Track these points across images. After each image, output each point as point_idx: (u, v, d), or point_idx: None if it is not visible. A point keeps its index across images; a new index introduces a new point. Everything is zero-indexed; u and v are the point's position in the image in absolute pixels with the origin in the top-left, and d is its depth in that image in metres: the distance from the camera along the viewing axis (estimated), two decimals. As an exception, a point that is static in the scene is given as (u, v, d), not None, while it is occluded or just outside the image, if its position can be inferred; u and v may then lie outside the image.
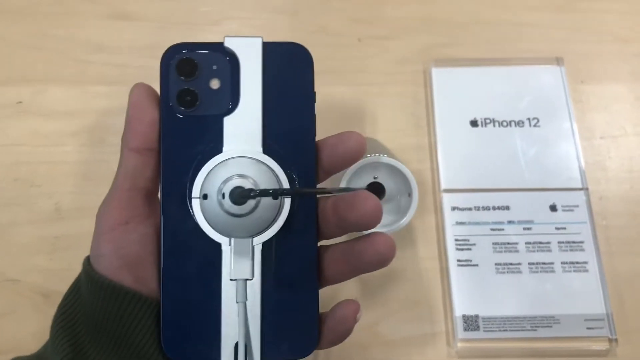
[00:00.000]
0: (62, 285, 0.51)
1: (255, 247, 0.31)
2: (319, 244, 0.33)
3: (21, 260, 0.52)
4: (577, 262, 0.51)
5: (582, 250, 0.51)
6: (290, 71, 0.32)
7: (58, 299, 0.50)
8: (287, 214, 0.31)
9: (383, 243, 0.31)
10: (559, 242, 0.52)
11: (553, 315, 0.49)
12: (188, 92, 0.32)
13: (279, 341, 0.31)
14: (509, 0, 0.64)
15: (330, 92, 0.59)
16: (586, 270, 0.51)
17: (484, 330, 0.49)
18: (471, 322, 0.49)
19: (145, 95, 0.33)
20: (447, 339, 0.49)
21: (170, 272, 0.32)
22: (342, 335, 0.32)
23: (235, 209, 0.29)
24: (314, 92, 0.33)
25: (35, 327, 0.50)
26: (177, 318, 0.31)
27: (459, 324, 0.49)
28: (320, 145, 0.33)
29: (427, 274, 0.52)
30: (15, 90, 0.59)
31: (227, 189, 0.30)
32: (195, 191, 0.31)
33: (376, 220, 0.30)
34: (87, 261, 0.33)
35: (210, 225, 0.31)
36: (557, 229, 0.52)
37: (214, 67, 0.32)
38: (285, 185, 0.31)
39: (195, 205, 0.31)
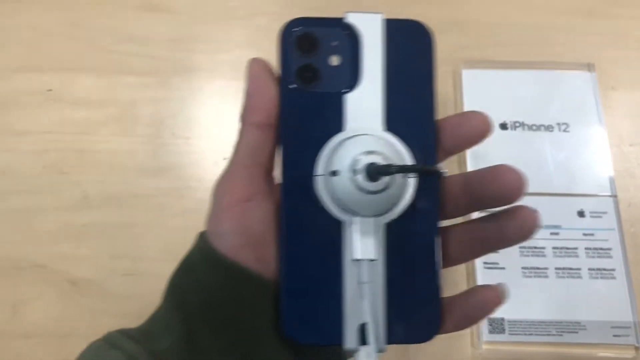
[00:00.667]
0: (89, 272, 0.52)
1: (380, 227, 0.30)
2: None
3: (48, 247, 0.53)
4: (605, 269, 0.51)
5: (610, 257, 0.51)
6: (411, 49, 0.32)
7: (85, 286, 0.51)
8: (413, 193, 0.30)
9: (530, 216, 0.29)
10: (586, 249, 0.52)
11: (579, 321, 0.49)
12: (308, 68, 0.31)
13: (401, 324, 0.30)
14: (539, 4, 0.64)
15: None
16: (613, 278, 0.51)
17: (510, 333, 0.49)
18: (497, 325, 0.49)
19: (265, 70, 0.32)
20: (472, 340, 0.49)
21: (291, 252, 0.30)
22: (474, 320, 0.31)
23: (370, 185, 0.28)
24: (435, 71, 0.32)
25: (61, 313, 0.50)
26: (298, 299, 0.30)
27: (484, 326, 0.49)
28: (441, 124, 0.32)
29: (452, 276, 0.52)
30: (45, 78, 0.59)
31: (361, 165, 0.28)
32: (320, 168, 0.30)
33: (521, 192, 0.29)
34: (203, 238, 0.32)
35: (335, 204, 0.30)
36: (585, 235, 0.52)
37: (334, 43, 0.31)
38: (411, 163, 0.30)
39: (320, 182, 0.30)
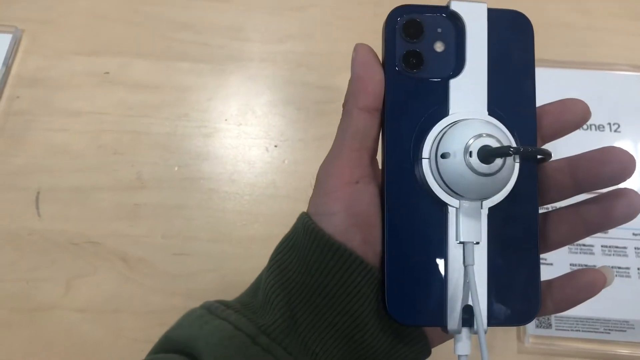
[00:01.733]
0: (141, 251, 0.53)
1: (484, 210, 0.31)
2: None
3: (102, 225, 0.54)
4: (654, 269, 0.51)
5: (660, 258, 0.51)
6: (513, 37, 0.32)
7: (136, 264, 0.52)
8: (516, 177, 0.31)
9: (636, 196, 0.30)
10: (635, 248, 0.51)
11: (627, 320, 0.49)
12: (414, 54, 0.32)
13: (503, 306, 0.31)
14: (592, 6, 0.64)
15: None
16: (663, 278, 0.50)
17: (557, 329, 0.49)
18: (544, 320, 0.49)
19: (371, 55, 0.32)
20: (518, 334, 0.50)
21: (395, 235, 0.31)
22: (578, 301, 0.32)
23: (483, 167, 0.28)
24: (534, 60, 0.32)
25: (113, 289, 0.52)
26: (402, 280, 0.31)
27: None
28: (542, 111, 0.32)
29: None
30: (103, 61, 0.61)
31: (474, 147, 0.29)
32: (426, 151, 0.31)
33: (632, 171, 0.29)
34: (306, 218, 0.32)
35: (441, 186, 0.30)
36: (635, 234, 0.52)
37: (439, 30, 0.32)
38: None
39: (426, 165, 0.31)
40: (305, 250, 0.31)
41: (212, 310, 0.32)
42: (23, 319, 0.50)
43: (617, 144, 0.55)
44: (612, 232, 0.52)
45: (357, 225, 0.31)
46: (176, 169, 0.56)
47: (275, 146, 0.57)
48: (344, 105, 0.33)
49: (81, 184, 0.56)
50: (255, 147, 0.58)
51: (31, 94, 0.59)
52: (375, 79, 0.31)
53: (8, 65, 0.60)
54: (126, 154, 0.57)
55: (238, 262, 0.52)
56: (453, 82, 0.31)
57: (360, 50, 0.32)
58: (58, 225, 0.54)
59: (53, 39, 0.62)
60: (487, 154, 0.28)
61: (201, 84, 0.60)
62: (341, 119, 0.33)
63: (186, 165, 0.56)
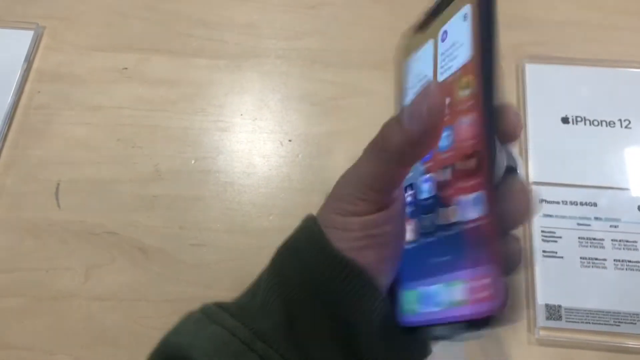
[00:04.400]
0: (159, 241, 0.54)
1: None
2: None
3: (120, 215, 0.55)
4: (664, 263, 0.51)
5: (670, 251, 0.52)
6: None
7: (154, 254, 0.53)
8: None
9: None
10: (646, 242, 0.52)
11: (637, 312, 0.49)
12: None
13: None
14: (603, 3, 0.64)
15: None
16: (673, 272, 0.51)
17: (567, 321, 0.49)
18: (554, 312, 0.50)
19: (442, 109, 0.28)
20: (529, 326, 0.50)
21: None
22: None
23: None
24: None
25: (131, 278, 0.53)
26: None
27: (541, 312, 0.50)
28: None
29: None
30: (121, 57, 0.62)
31: None
32: None
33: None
34: (316, 226, 0.31)
35: None
36: (646, 228, 0.53)
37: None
38: None
39: None
40: (308, 257, 0.31)
41: (208, 313, 0.32)
42: (44, 306, 0.52)
43: (628, 140, 0.55)
44: (622, 226, 0.53)
45: (375, 246, 0.30)
46: (193, 162, 0.57)
47: (290, 140, 0.58)
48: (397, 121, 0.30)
49: (100, 176, 0.57)
50: (270, 141, 0.59)
51: (52, 89, 0.61)
52: (436, 124, 0.28)
53: (30, 61, 0.62)
54: (144, 147, 0.58)
55: (253, 252, 0.53)
56: None
57: (436, 98, 0.28)
58: (77, 216, 0.55)
59: (73, 36, 0.64)
60: None
61: (217, 80, 0.61)
62: (378, 141, 0.31)
63: (203, 158, 0.58)
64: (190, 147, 0.58)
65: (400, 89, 0.36)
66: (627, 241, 0.52)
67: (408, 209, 0.33)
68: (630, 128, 0.57)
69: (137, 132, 0.59)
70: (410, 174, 0.32)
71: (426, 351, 0.33)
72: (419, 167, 0.32)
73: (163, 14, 0.64)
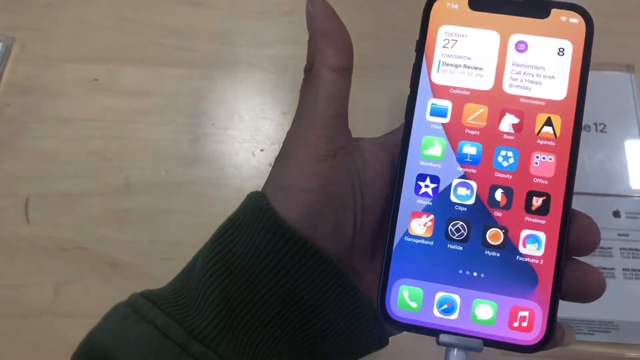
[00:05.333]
0: (129, 256, 0.53)
1: None
2: None
3: (90, 230, 0.55)
4: None
5: (645, 258, 0.51)
6: None
7: (124, 269, 0.53)
8: None
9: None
10: (621, 249, 0.51)
11: (612, 320, 0.49)
12: None
13: None
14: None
15: (396, 87, 0.60)
16: (648, 278, 0.50)
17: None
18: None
19: (331, 8, 0.29)
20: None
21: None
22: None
23: None
24: None
25: (101, 294, 0.52)
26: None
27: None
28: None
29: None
30: (91, 68, 0.62)
31: None
32: None
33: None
34: (263, 199, 0.28)
35: None
36: (620, 235, 0.52)
37: None
38: None
39: None
40: (255, 235, 0.27)
41: (137, 308, 0.28)
42: (11, 324, 0.51)
43: (603, 144, 0.55)
44: (632, 234, 0.52)
45: (331, 208, 0.28)
46: (163, 174, 0.57)
47: (262, 150, 0.58)
48: (308, 69, 0.29)
49: (70, 190, 0.56)
50: (242, 151, 0.58)
51: (21, 101, 0.60)
52: (344, 35, 0.29)
53: (-1, 73, 0.61)
54: (114, 160, 0.57)
55: (224, 266, 0.53)
56: None
57: (317, 3, 0.29)
58: (47, 231, 0.54)
59: (43, 47, 0.63)
60: None
61: (189, 89, 0.61)
62: (307, 83, 0.29)
63: (173, 170, 0.57)
64: (161, 159, 0.57)
65: (425, 53, 0.32)
66: (602, 248, 0.51)
67: (422, 201, 0.30)
68: (605, 132, 0.56)
69: (107, 144, 0.58)
70: (435, 165, 0.30)
71: (386, 341, 0.31)
72: (452, 164, 0.30)
73: (134, 23, 0.64)
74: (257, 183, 0.55)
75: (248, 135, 0.58)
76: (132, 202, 0.56)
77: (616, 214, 0.53)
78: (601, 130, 0.56)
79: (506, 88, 0.30)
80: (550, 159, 0.29)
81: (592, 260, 0.50)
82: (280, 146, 0.30)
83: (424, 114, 0.30)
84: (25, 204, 0.55)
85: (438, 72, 0.31)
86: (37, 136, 0.58)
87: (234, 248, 0.28)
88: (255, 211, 0.28)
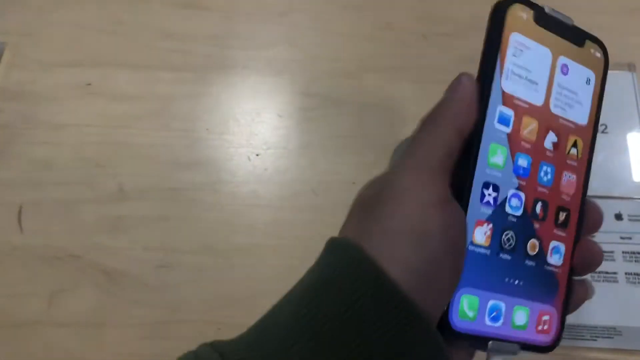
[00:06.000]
0: (123, 264, 0.53)
1: None
2: None
3: (84, 237, 0.54)
4: (642, 274, 0.50)
5: (648, 261, 0.50)
6: None
7: (119, 277, 0.52)
8: None
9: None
10: (623, 252, 0.50)
11: (614, 326, 0.48)
12: None
13: None
14: (579, 3, 0.62)
15: (394, 89, 0.59)
16: (651, 283, 0.49)
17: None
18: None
19: (474, 91, 0.30)
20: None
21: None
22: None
23: None
24: None
25: (95, 303, 0.51)
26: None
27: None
28: None
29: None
30: (85, 73, 0.61)
31: None
32: None
33: None
34: (366, 257, 0.24)
35: None
36: (622, 238, 0.51)
37: None
38: None
39: None
40: (351, 294, 0.24)
41: None
42: (6, 334, 0.50)
43: (605, 145, 0.54)
44: (599, 236, 0.49)
45: (453, 254, 0.27)
46: (157, 180, 0.56)
47: (257, 155, 0.57)
48: (428, 121, 0.29)
49: (64, 197, 0.55)
50: (237, 156, 0.57)
51: (14, 107, 0.59)
52: (474, 109, 0.29)
53: (-9, 79, 0.60)
54: (108, 166, 0.57)
55: (220, 273, 0.52)
56: None
57: (466, 81, 0.30)
58: (41, 239, 0.54)
59: (36, 52, 0.62)
60: None
61: (184, 93, 0.60)
62: (423, 131, 0.29)
63: (168, 175, 0.56)
64: (155, 164, 0.57)
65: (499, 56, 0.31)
66: (603, 252, 0.50)
67: (485, 209, 0.30)
68: (607, 133, 0.55)
69: (100, 150, 0.57)
70: (497, 174, 0.30)
71: None
72: (510, 174, 0.31)
73: (127, 26, 0.63)
74: (251, 188, 0.54)
75: (243, 140, 0.58)
76: (126, 209, 0.55)
77: (618, 216, 0.52)
78: (603, 131, 0.55)
79: (552, 106, 0.32)
80: (573, 178, 0.33)
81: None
82: (369, 185, 0.29)
83: (493, 120, 0.30)
84: (19, 212, 0.55)
85: (507, 79, 0.31)
86: (29, 142, 0.58)
87: (330, 311, 0.24)
88: (358, 272, 0.24)
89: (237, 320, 0.50)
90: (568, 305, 0.32)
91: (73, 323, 0.51)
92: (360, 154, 0.57)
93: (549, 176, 0.32)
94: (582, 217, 0.33)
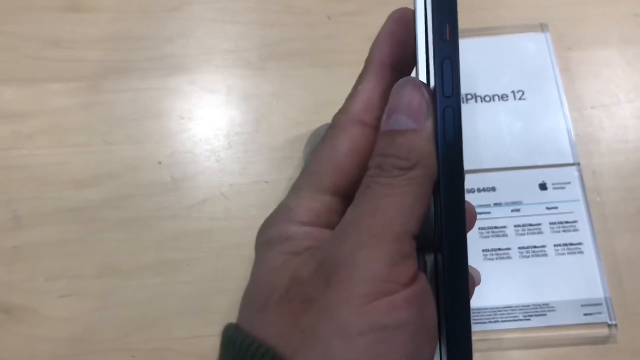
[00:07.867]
0: (23, 298, 0.48)
1: None
2: None
3: (-22, 274, 0.49)
4: (571, 244, 0.47)
5: (576, 230, 0.48)
6: None
7: (19, 314, 0.48)
8: None
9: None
10: (550, 223, 0.48)
11: (547, 302, 0.46)
12: None
13: None
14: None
15: (300, 74, 0.56)
16: (581, 252, 0.47)
17: (474, 323, 0.45)
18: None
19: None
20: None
21: None
22: None
23: None
24: None
25: (-4, 344, 0.47)
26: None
27: (446, 318, 0.46)
28: None
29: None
30: (-34, 93, 0.56)
31: None
32: None
33: None
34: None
35: None
36: (548, 208, 0.49)
37: None
38: None
39: None
40: None
41: None
42: None
43: (523, 113, 0.51)
44: (524, 208, 0.49)
45: (431, 340, 0.22)
46: (55, 202, 0.51)
47: (160, 162, 0.53)
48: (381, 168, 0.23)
49: (-47, 232, 0.51)
50: (140, 166, 0.53)
51: None
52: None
53: None
54: (-1, 192, 0.52)
55: (128, 294, 0.48)
56: None
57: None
58: None
59: None
60: None
61: (76, 105, 0.55)
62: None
63: (66, 196, 0.52)
64: (51, 185, 0.52)
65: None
66: (530, 225, 0.48)
67: None
68: (524, 99, 0.52)
69: (-11, 176, 0.52)
70: None
71: None
72: None
73: (7, 37, 0.58)
74: (157, 200, 0.50)
75: (145, 148, 0.53)
76: (23, 238, 0.50)
77: (543, 186, 0.49)
78: (520, 98, 0.52)
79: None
80: None
81: (522, 238, 0.47)
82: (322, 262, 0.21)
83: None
84: None
85: None
86: None
87: None
88: None
89: (153, 344, 0.47)
90: None
91: (-27, 369, 0.47)
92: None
93: None
94: None
